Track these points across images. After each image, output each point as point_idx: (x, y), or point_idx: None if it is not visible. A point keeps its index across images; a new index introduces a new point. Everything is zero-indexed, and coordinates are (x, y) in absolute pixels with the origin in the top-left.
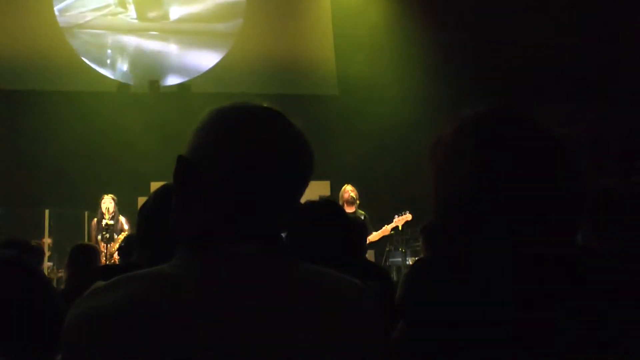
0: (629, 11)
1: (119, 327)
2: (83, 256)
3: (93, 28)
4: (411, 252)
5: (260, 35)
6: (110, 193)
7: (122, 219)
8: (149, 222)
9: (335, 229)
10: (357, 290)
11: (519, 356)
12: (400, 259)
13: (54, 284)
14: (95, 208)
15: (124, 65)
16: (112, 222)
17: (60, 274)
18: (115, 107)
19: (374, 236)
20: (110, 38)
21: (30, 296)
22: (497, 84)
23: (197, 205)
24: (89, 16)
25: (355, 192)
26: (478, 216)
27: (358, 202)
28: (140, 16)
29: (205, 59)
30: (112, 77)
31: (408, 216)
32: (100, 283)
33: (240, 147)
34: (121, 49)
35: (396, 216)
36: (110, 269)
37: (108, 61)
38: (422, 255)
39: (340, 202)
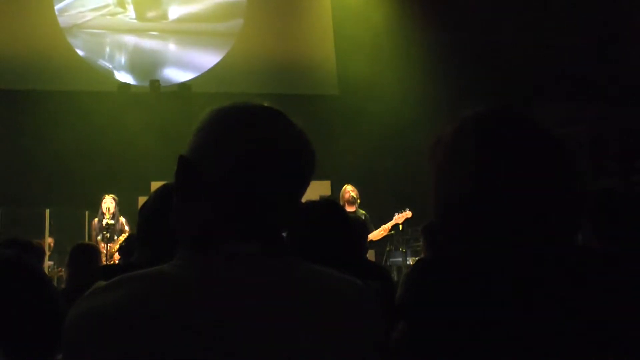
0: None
1: (120, 327)
2: (83, 256)
3: (92, 28)
4: (411, 252)
5: (260, 35)
6: (111, 193)
7: (122, 219)
8: (150, 222)
9: (336, 229)
10: (358, 290)
11: (519, 356)
12: (400, 259)
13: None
14: (96, 208)
15: (124, 65)
16: (112, 221)
17: (60, 273)
18: (115, 107)
19: (374, 235)
20: (110, 38)
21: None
22: (497, 84)
23: (197, 205)
24: (89, 16)
25: (356, 191)
26: (478, 216)
27: (359, 201)
28: (140, 16)
29: (206, 59)
30: (112, 76)
31: (408, 213)
32: (101, 283)
33: (240, 146)
34: (121, 49)
35: (396, 214)
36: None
37: (108, 61)
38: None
39: (341, 202)
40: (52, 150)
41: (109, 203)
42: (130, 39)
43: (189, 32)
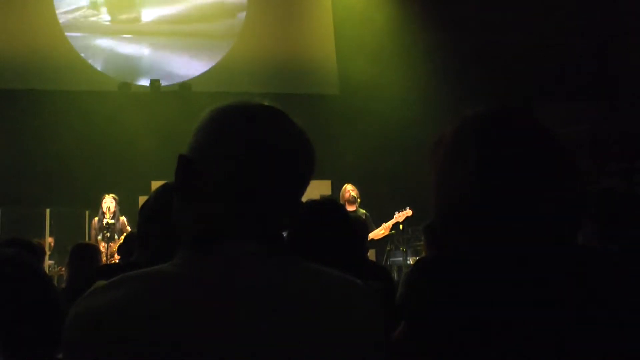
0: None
1: (120, 326)
2: (84, 255)
3: (94, 25)
4: (412, 252)
5: (261, 35)
6: (111, 192)
7: (124, 219)
8: (150, 222)
9: (337, 228)
10: (358, 290)
11: (520, 356)
12: (401, 259)
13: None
14: (96, 207)
15: (124, 64)
16: (112, 221)
17: (61, 272)
18: (116, 107)
19: (375, 233)
20: (111, 36)
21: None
22: (498, 83)
23: (197, 204)
24: (89, 14)
25: (356, 191)
26: (478, 215)
27: (359, 201)
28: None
29: (207, 58)
30: (112, 76)
31: (408, 212)
32: (101, 282)
33: (240, 146)
34: (122, 48)
35: (396, 212)
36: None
37: (108, 60)
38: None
39: (341, 202)
40: (52, 150)
41: (109, 202)
42: (131, 38)
43: (190, 31)
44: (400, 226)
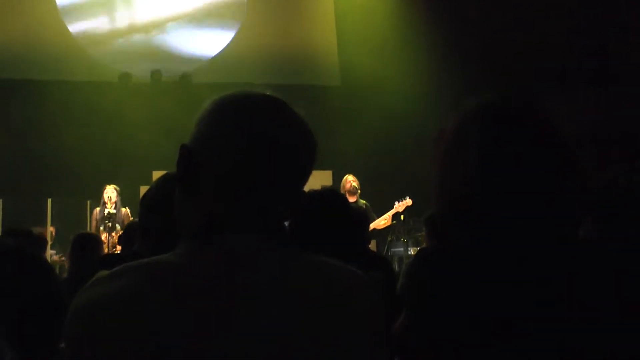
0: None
1: (122, 316)
2: (85, 246)
3: (94, 15)
4: (413, 242)
5: (262, 26)
6: (112, 182)
7: (127, 210)
8: (151, 212)
9: (338, 219)
10: (360, 280)
11: (521, 347)
12: (402, 249)
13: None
14: (98, 197)
15: (124, 55)
16: (114, 211)
17: (62, 261)
18: (116, 97)
19: (376, 223)
20: (112, 26)
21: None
22: (500, 76)
23: (199, 194)
24: (90, 3)
25: (357, 181)
26: (479, 207)
27: (360, 191)
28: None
29: (207, 49)
30: (113, 66)
31: (408, 201)
32: (103, 272)
33: (242, 136)
34: (122, 38)
35: (396, 202)
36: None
37: (108, 50)
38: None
39: (342, 192)
40: (53, 140)
41: (110, 193)
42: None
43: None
44: (402, 217)
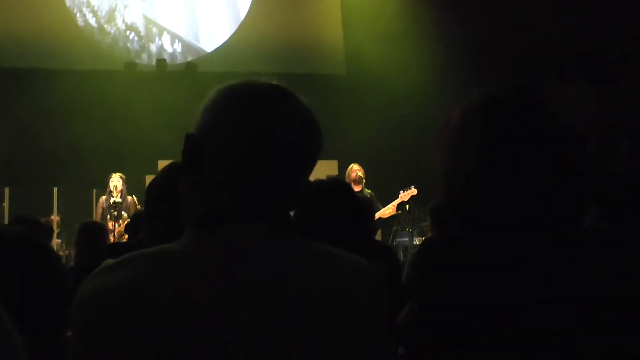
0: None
1: (128, 305)
2: (91, 234)
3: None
4: (418, 232)
5: (268, 14)
6: (118, 171)
7: (134, 198)
8: (157, 201)
9: (343, 208)
10: (364, 270)
11: (526, 337)
12: (407, 239)
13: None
14: (104, 186)
15: (129, 43)
16: (120, 200)
17: (68, 252)
18: (122, 86)
19: (381, 213)
20: (116, 14)
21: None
22: (507, 65)
23: (204, 183)
24: None
25: (362, 171)
26: (484, 196)
27: (365, 180)
28: None
29: (213, 38)
30: (118, 55)
31: (413, 191)
32: (109, 261)
33: (247, 125)
34: (128, 26)
35: (401, 191)
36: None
37: (114, 38)
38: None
39: (347, 181)
40: (59, 129)
41: (116, 181)
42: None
43: (196, 10)
44: (407, 206)
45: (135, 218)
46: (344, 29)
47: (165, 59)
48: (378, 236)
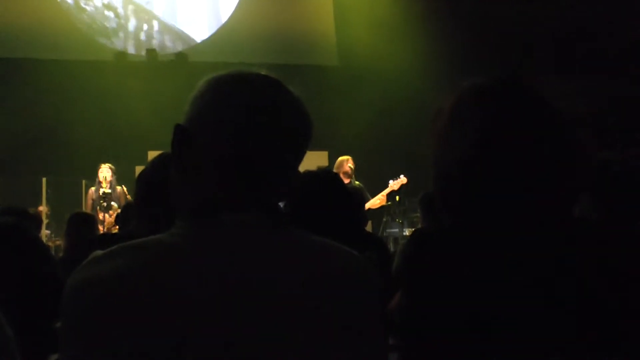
0: None
1: (118, 295)
2: (81, 225)
3: None
4: (408, 223)
5: (259, 4)
6: (108, 162)
7: (124, 188)
8: (147, 191)
9: (333, 199)
10: (356, 261)
11: (515, 327)
12: (397, 230)
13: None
14: (93, 177)
15: (120, 33)
16: (109, 191)
17: (57, 242)
18: (112, 76)
19: (371, 203)
20: (106, 5)
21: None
22: (498, 55)
23: (194, 174)
24: None
25: (352, 163)
26: (476, 186)
27: (354, 175)
28: None
29: (203, 28)
30: (108, 45)
31: (403, 180)
32: (98, 252)
33: (237, 115)
34: (117, 16)
35: (391, 181)
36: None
37: (104, 29)
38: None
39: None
40: (49, 119)
41: (105, 172)
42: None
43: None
44: (397, 197)
45: (125, 209)
46: (336, 20)
47: (155, 49)
48: (368, 227)
